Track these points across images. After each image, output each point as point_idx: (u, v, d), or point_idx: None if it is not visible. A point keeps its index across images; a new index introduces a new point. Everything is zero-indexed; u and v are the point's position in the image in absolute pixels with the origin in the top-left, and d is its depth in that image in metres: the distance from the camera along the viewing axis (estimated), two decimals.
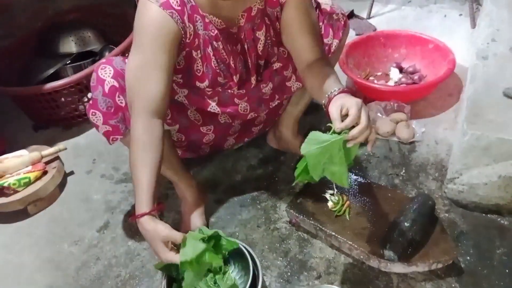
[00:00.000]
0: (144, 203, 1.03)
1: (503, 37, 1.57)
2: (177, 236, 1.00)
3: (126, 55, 1.87)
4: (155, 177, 1.06)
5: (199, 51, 1.20)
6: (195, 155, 1.60)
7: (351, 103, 0.99)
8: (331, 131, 1.00)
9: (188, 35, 1.15)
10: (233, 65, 1.25)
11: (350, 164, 1.02)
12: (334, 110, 1.00)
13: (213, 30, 1.17)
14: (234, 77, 1.28)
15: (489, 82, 1.40)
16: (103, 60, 1.20)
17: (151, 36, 1.08)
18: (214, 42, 1.19)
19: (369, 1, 2.44)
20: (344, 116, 0.99)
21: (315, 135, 1.00)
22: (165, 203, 1.51)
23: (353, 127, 0.98)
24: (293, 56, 1.27)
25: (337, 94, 1.05)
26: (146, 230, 1.02)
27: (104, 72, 1.16)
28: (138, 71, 1.09)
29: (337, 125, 0.98)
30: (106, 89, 1.15)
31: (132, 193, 1.57)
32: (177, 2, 1.09)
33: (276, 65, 1.34)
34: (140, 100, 1.08)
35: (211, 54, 1.20)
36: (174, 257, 0.99)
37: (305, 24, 1.22)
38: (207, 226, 1.42)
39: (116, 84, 1.15)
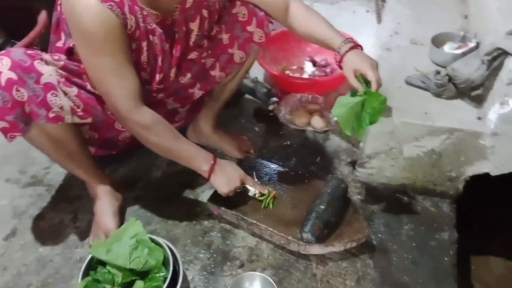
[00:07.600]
0: (207, 155, 1.27)
1: (405, 31, 1.69)
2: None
3: (34, 48, 1.75)
4: None
5: (134, 43, 1.15)
6: (111, 152, 1.53)
7: (366, 68, 1.14)
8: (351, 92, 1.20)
9: (129, 27, 1.09)
10: (160, 63, 1.22)
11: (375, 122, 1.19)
12: (352, 79, 1.17)
13: (151, 23, 1.14)
14: (158, 75, 1.24)
15: (392, 71, 1.49)
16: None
17: (102, 39, 1.04)
18: (151, 36, 1.16)
19: None
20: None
21: (341, 99, 1.18)
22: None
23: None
24: (268, 10, 1.30)
25: (348, 51, 1.18)
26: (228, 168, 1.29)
27: (0, 64, 1.07)
28: (109, 76, 1.09)
29: (360, 90, 1.15)
30: (3, 82, 1.05)
31: (42, 197, 1.48)
32: None
33: (193, 55, 1.31)
34: (125, 98, 1.12)
35: (145, 48, 1.16)
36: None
37: None
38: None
39: (14, 76, 1.05)
